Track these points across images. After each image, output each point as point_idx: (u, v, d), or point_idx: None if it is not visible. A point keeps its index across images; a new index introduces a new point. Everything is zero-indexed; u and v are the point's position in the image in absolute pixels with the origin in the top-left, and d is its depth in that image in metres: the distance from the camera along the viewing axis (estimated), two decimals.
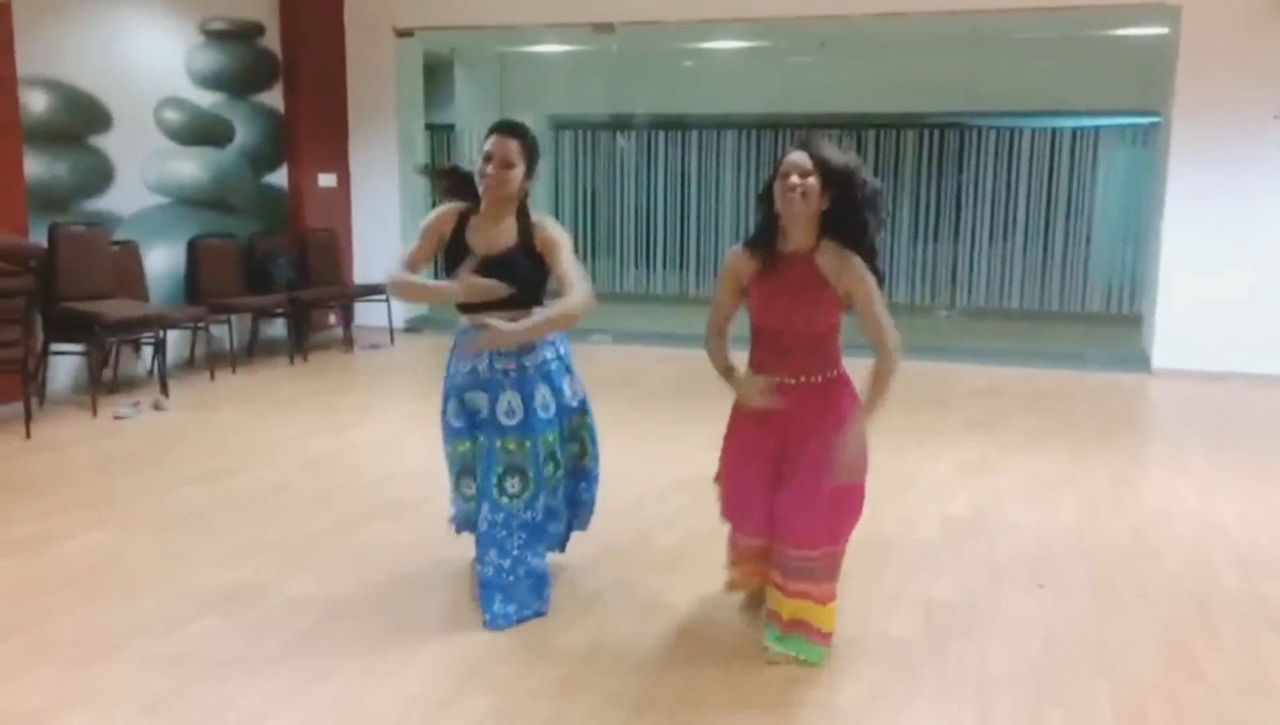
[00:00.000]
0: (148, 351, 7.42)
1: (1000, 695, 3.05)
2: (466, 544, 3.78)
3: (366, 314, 9.45)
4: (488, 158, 3.34)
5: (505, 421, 3.46)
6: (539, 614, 3.50)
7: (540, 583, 3.57)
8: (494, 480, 3.48)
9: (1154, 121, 9.61)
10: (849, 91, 10.78)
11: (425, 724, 2.87)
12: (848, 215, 3.10)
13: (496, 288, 3.36)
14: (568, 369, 3.64)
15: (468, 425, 3.57)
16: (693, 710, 2.95)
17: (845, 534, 3.22)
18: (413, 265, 3.51)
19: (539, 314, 3.40)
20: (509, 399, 3.47)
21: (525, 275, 3.42)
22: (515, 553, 3.51)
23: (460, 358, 3.55)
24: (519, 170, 3.35)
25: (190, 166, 8.21)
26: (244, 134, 8.75)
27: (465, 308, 3.51)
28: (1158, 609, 3.72)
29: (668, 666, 3.20)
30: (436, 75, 11.32)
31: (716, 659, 3.24)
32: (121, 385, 7.15)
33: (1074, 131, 10.91)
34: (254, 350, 8.58)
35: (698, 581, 3.79)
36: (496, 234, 3.42)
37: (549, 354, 3.55)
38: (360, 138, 9.96)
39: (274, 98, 9.12)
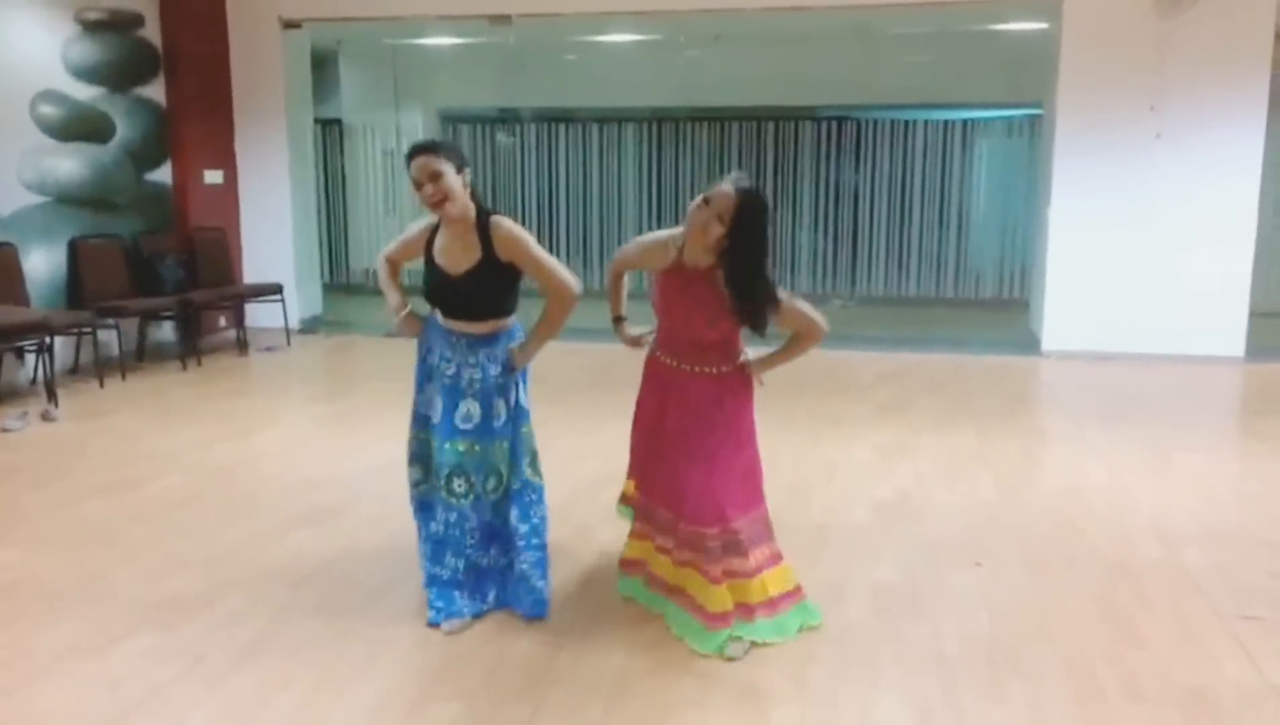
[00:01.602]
0: (30, 359, 7.03)
1: (960, 671, 3.13)
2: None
3: (259, 315, 9.15)
4: (417, 183, 3.32)
5: (462, 426, 3.43)
6: (480, 613, 3.47)
7: (484, 582, 3.54)
8: (442, 481, 3.44)
9: (1034, 113, 10.04)
10: (744, 85, 10.93)
11: None
12: (743, 251, 3.14)
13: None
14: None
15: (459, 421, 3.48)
16: (664, 700, 2.94)
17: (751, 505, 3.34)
18: (391, 259, 3.66)
19: (538, 325, 3.47)
20: (468, 406, 3.44)
21: (494, 290, 3.41)
22: (469, 552, 3.49)
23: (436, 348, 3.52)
24: (449, 175, 3.31)
25: (69, 164, 7.80)
26: (125, 129, 8.36)
27: (437, 305, 3.50)
28: (1088, 579, 3.87)
29: (633, 655, 3.19)
30: (321, 69, 11.03)
31: (679, 649, 3.24)
32: (3, 396, 6.76)
33: (964, 123, 11.29)
34: (143, 355, 8.23)
35: None
36: (461, 252, 3.39)
37: (493, 372, 3.47)
38: (247, 133, 9.62)
39: (156, 91, 8.74)
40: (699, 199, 3.14)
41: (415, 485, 3.67)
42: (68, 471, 5.28)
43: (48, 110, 7.58)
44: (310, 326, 9.78)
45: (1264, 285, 8.50)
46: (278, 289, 9.02)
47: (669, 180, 12.16)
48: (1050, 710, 2.91)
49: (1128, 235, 8.29)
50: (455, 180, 3.31)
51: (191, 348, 8.21)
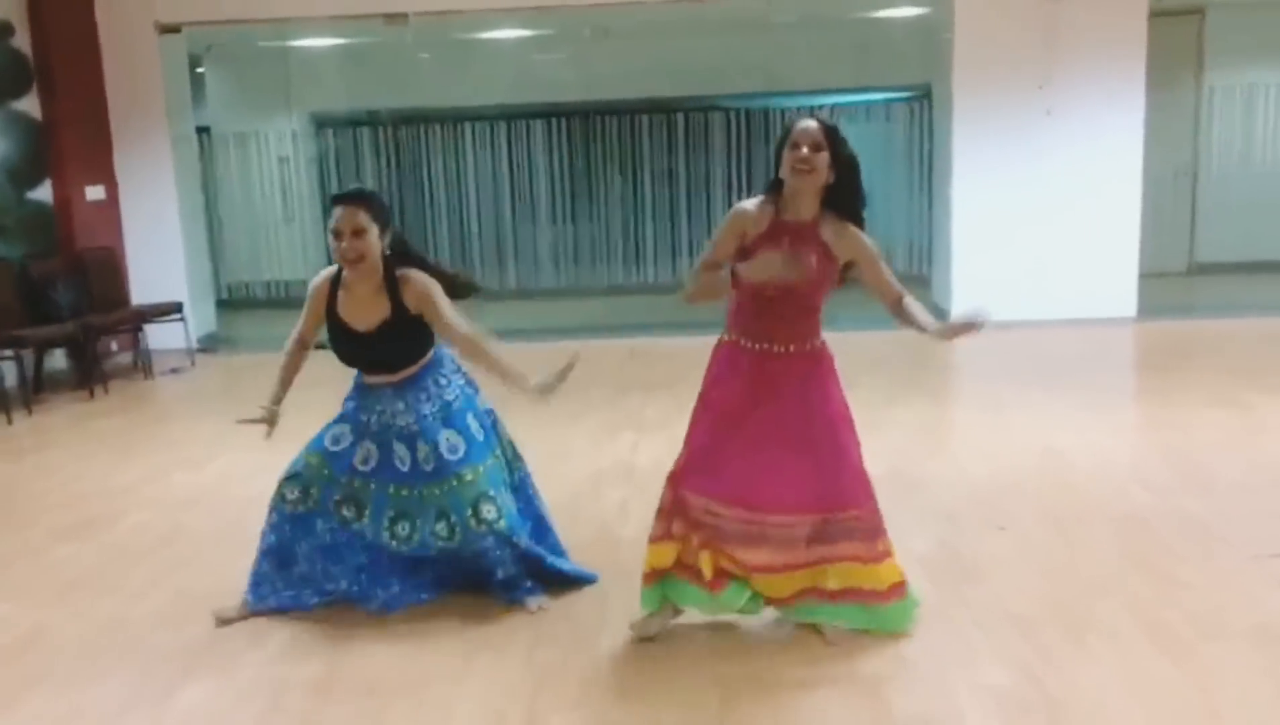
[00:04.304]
0: None
1: (1039, 630, 3.25)
2: None
3: (154, 336, 8.62)
4: (337, 233, 3.27)
5: (400, 468, 3.47)
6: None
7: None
8: (385, 523, 3.49)
9: (903, 97, 10.47)
10: (642, 76, 10.97)
11: None
12: (847, 189, 3.17)
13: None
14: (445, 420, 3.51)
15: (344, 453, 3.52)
16: (776, 697, 2.96)
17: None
18: (303, 340, 3.58)
19: (507, 375, 3.38)
20: (400, 450, 3.48)
21: (407, 343, 3.43)
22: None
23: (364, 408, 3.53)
24: (373, 234, 3.29)
25: None
26: (2, 146, 7.76)
27: (351, 363, 3.53)
28: (1106, 533, 4.08)
29: (697, 661, 3.18)
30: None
31: (744, 645, 3.26)
32: None
33: (865, 107, 11.61)
34: (40, 386, 7.68)
35: None
36: (368, 307, 3.37)
37: (426, 410, 3.47)
38: (126, 145, 9.06)
39: (29, 104, 8.15)
40: (788, 144, 3.06)
41: (290, 502, 3.53)
42: (21, 516, 4.89)
43: None
44: (209, 345, 9.32)
45: (1151, 249, 9.06)
46: (177, 308, 8.56)
47: (573, 174, 12.08)
48: (1139, 658, 3.05)
49: (1024, 208, 8.71)
50: (376, 243, 3.31)
51: (92, 375, 7.69)
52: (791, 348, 3.17)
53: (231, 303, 11.73)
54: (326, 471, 3.50)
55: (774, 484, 3.12)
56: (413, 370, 3.47)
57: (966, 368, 7.82)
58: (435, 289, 3.37)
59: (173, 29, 8.96)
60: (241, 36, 10.28)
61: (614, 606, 3.49)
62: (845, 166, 3.13)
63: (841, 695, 2.93)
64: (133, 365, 8.43)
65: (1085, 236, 8.68)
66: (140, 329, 8.41)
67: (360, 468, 3.49)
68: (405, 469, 3.45)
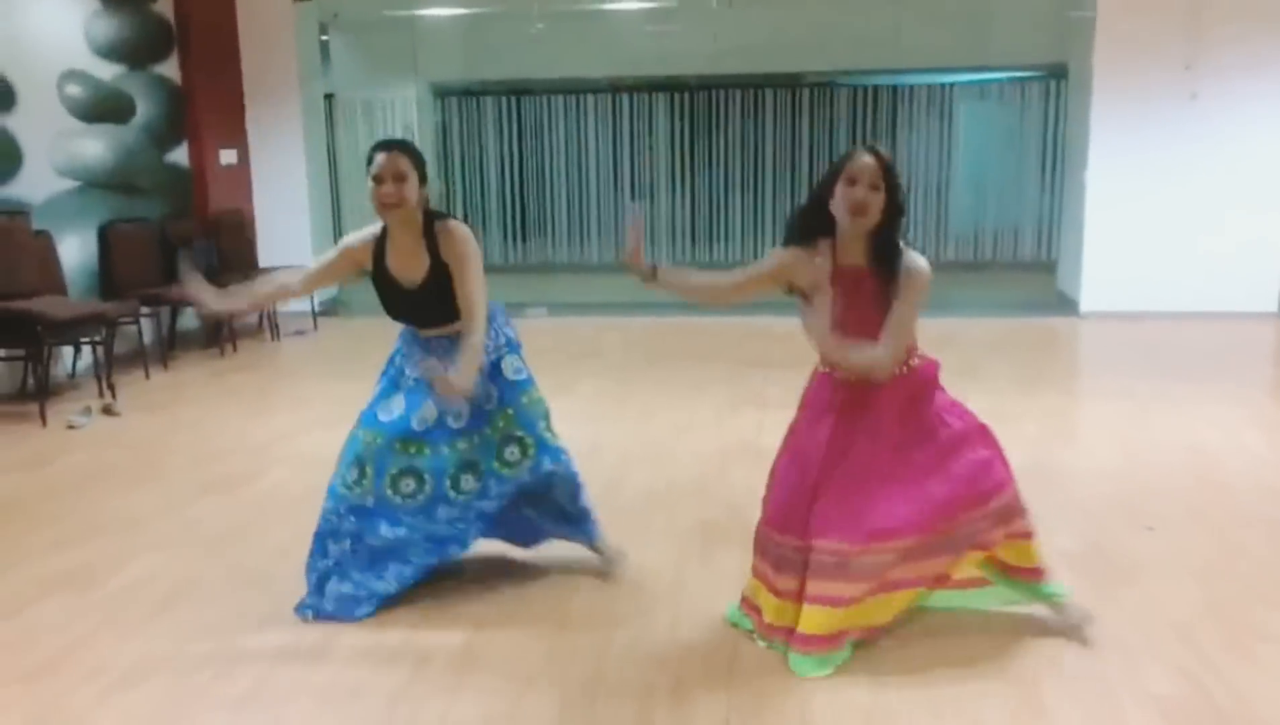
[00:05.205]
0: (70, 352, 6.74)
1: (1199, 636, 3.11)
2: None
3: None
4: (379, 179, 3.24)
5: (453, 425, 3.40)
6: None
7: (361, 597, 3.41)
8: (446, 485, 3.40)
9: (1033, 76, 10.14)
10: (764, 51, 10.82)
11: None
12: (890, 233, 2.95)
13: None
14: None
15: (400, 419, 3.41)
16: (930, 695, 2.90)
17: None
18: (294, 286, 3.50)
19: (462, 359, 3.20)
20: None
21: (447, 300, 3.33)
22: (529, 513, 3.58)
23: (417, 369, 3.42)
24: (413, 181, 3.26)
25: (96, 146, 7.46)
26: (144, 109, 8.01)
27: (403, 320, 3.47)
28: (1266, 538, 3.90)
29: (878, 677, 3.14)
30: None
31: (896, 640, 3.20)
32: (49, 391, 6.46)
33: (994, 85, 11.27)
34: (174, 344, 7.93)
35: None
36: (412, 264, 3.33)
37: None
38: (258, 111, 9.28)
39: (170, 69, 8.38)
40: (843, 178, 2.88)
41: (350, 486, 3.42)
42: (165, 469, 5.06)
43: (74, 91, 7.22)
44: (330, 309, 9.53)
45: None
46: None
47: (693, 148, 12.03)
48: None
49: (1163, 195, 8.38)
50: (415, 190, 3.26)
51: (224, 335, 7.93)
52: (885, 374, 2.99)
53: None
54: (381, 442, 3.40)
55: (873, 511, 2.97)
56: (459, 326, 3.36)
57: (1097, 358, 7.58)
58: (472, 248, 3.31)
59: None
60: (370, 4, 10.43)
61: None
62: (895, 210, 2.92)
63: (997, 693, 2.86)
64: (258, 326, 8.66)
65: (1228, 226, 8.31)
66: None
67: (417, 429, 3.38)
68: (460, 425, 3.39)
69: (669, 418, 5.75)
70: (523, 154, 12.31)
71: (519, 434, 3.45)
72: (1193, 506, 4.23)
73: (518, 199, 12.48)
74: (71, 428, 5.77)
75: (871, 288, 2.94)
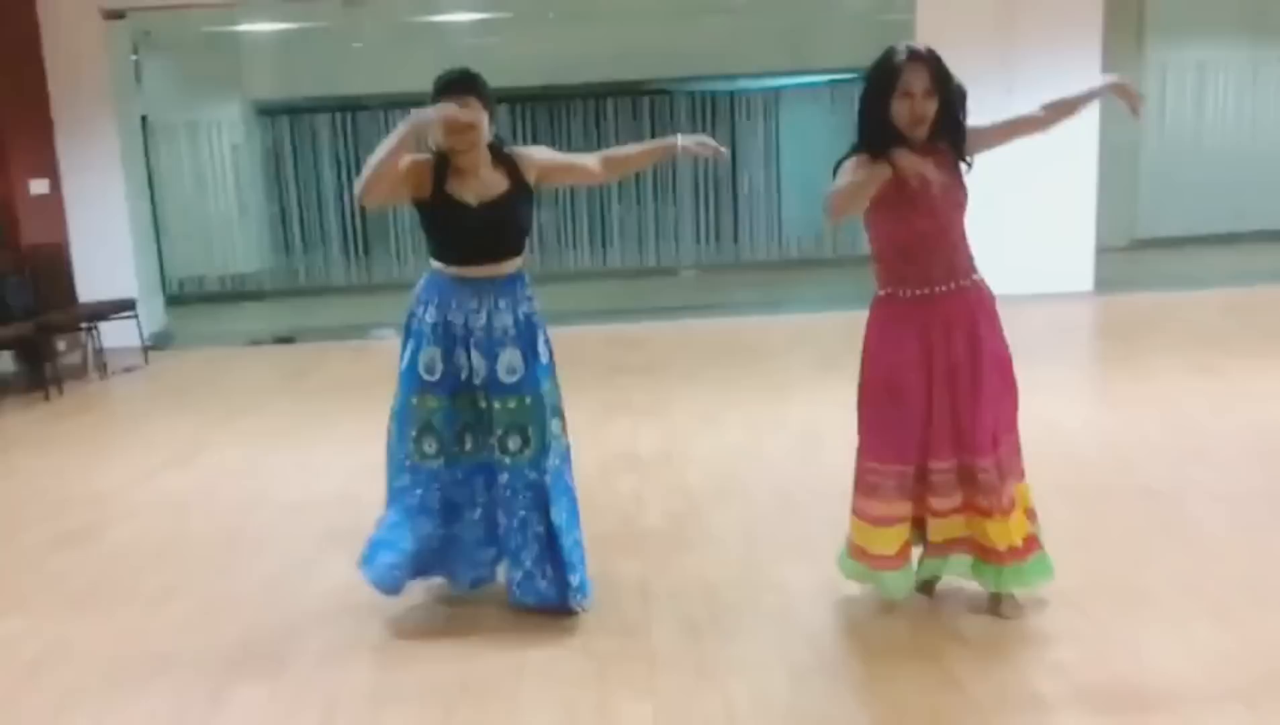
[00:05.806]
0: None
1: (1094, 602, 3.28)
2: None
3: (103, 335, 8.27)
4: (453, 121, 3.14)
5: (506, 379, 3.26)
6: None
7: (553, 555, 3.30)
8: (494, 441, 3.28)
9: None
10: (603, 60, 10.88)
11: None
12: (951, 120, 3.02)
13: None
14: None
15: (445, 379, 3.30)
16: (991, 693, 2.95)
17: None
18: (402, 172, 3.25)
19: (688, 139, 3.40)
20: (509, 357, 3.27)
21: (522, 220, 3.36)
22: (522, 513, 3.29)
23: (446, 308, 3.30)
24: (485, 119, 3.22)
25: None
26: None
27: (453, 259, 3.29)
28: (1124, 504, 4.15)
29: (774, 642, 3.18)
30: None
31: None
32: None
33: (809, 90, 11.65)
34: None
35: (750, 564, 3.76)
36: (486, 182, 3.27)
37: (523, 311, 3.34)
38: (69, 137, 8.72)
39: None
40: (897, 91, 2.89)
41: (429, 457, 3.30)
42: (6, 525, 4.68)
43: None
44: (161, 342, 9.02)
45: (1107, 222, 9.27)
46: (131, 305, 8.26)
47: None
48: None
49: (981, 184, 8.79)
50: (486, 126, 3.24)
51: (47, 376, 7.38)
52: (953, 285, 3.05)
53: (181, 298, 11.37)
54: (436, 403, 3.29)
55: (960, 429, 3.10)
56: (517, 263, 3.33)
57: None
58: (548, 150, 3.45)
59: (117, 14, 8.63)
60: (186, 22, 9.96)
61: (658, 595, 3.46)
62: (954, 101, 2.98)
63: (911, 674, 2.94)
64: (83, 365, 8.14)
65: (1044, 212, 8.82)
66: (95, 327, 8.10)
67: (466, 382, 3.28)
68: (477, 380, 3.28)
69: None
70: (359, 171, 11.96)
71: (525, 426, 3.27)
72: (1056, 482, 4.44)
73: (356, 217, 12.13)
74: None
75: (948, 162, 3.03)
